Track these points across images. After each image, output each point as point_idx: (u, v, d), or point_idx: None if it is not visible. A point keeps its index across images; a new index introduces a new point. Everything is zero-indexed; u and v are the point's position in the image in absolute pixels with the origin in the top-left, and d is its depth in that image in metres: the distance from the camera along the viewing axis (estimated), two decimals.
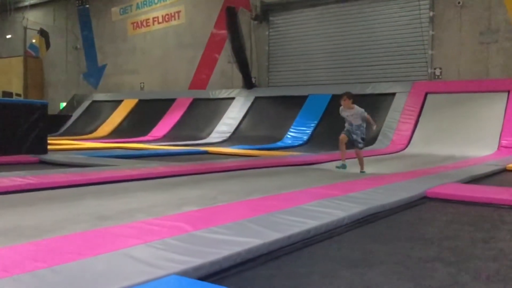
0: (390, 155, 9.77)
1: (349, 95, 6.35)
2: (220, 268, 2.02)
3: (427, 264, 2.27)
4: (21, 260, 1.89)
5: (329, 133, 12.48)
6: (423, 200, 4.03)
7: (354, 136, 6.35)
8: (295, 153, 9.49)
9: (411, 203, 3.81)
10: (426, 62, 12.81)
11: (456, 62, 12.53)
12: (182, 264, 1.89)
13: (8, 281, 1.64)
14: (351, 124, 6.40)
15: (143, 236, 2.31)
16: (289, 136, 12.96)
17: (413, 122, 11.67)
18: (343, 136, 6.41)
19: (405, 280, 2.03)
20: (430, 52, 12.81)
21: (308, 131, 12.87)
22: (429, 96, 12.12)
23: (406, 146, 10.98)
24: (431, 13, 12.78)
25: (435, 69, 12.82)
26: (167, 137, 14.79)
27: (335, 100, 13.38)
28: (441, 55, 12.75)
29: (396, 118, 11.92)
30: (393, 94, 12.62)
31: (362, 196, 3.64)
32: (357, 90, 13.26)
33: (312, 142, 12.32)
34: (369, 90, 13.06)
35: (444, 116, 11.41)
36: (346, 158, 6.48)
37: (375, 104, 12.72)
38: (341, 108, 6.46)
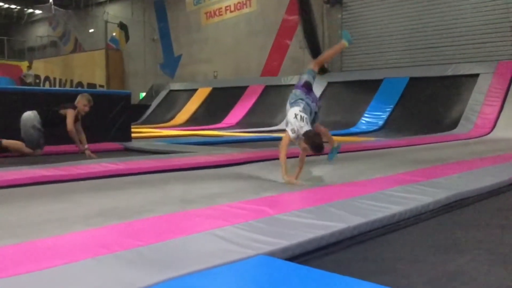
0: (474, 139, 9.26)
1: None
2: (305, 250, 2.05)
3: None
4: (119, 238, 2.04)
5: (406, 117, 12.09)
6: None
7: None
8: (370, 139, 9.29)
9: (500, 189, 3.61)
10: None
11: None
12: (268, 245, 1.94)
13: (111, 257, 1.77)
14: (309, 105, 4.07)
15: (228, 218, 2.40)
16: (363, 121, 12.69)
17: (498, 104, 10.96)
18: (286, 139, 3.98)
19: (498, 267, 1.95)
20: None
21: (383, 116, 12.51)
22: None
23: (491, 130, 10.35)
24: None
25: None
26: (240, 124, 15.03)
27: (412, 83, 12.93)
28: None
29: (480, 100, 11.25)
30: (476, 75, 11.89)
31: (447, 181, 3.51)
32: (436, 72, 12.72)
33: (388, 127, 11.98)
34: (450, 71, 12.42)
35: None
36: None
37: (457, 86, 12.10)
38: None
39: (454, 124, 11.09)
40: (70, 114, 5.69)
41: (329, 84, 14.80)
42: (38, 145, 5.71)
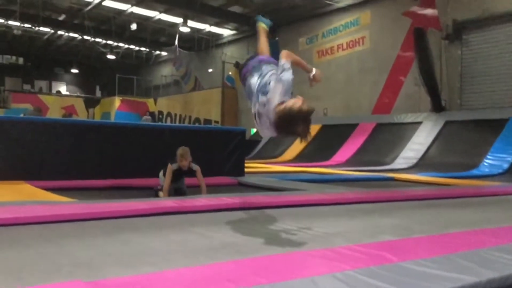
0: None
1: None
2: None
3: None
4: (243, 273, 2.11)
5: None
6: None
7: None
8: (494, 183, 8.58)
9: None
10: None
11: None
12: None
13: None
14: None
15: (347, 261, 2.36)
16: (486, 164, 11.77)
17: None
18: None
19: None
20: None
21: (509, 159, 11.50)
22: None
23: None
24: None
25: None
26: (350, 162, 14.79)
27: None
28: None
29: None
30: None
31: None
32: None
33: None
34: None
35: None
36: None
37: None
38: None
39: None
40: (168, 170, 5.62)
41: (447, 123, 14.07)
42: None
